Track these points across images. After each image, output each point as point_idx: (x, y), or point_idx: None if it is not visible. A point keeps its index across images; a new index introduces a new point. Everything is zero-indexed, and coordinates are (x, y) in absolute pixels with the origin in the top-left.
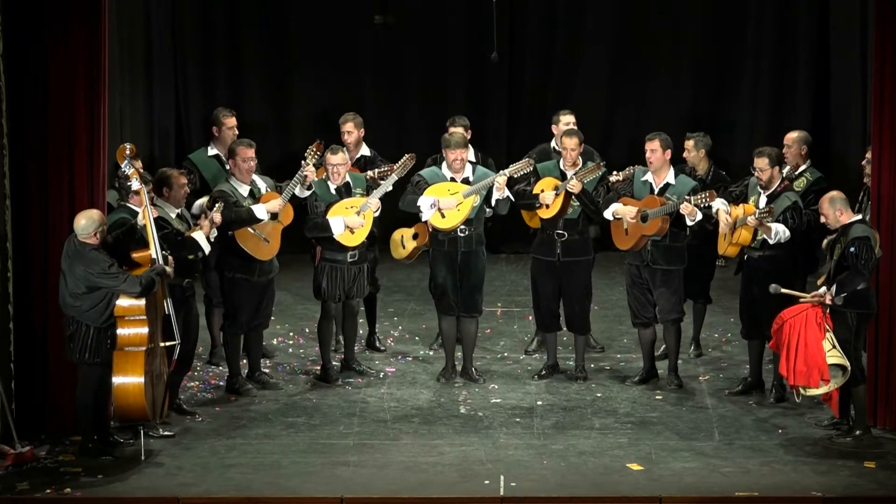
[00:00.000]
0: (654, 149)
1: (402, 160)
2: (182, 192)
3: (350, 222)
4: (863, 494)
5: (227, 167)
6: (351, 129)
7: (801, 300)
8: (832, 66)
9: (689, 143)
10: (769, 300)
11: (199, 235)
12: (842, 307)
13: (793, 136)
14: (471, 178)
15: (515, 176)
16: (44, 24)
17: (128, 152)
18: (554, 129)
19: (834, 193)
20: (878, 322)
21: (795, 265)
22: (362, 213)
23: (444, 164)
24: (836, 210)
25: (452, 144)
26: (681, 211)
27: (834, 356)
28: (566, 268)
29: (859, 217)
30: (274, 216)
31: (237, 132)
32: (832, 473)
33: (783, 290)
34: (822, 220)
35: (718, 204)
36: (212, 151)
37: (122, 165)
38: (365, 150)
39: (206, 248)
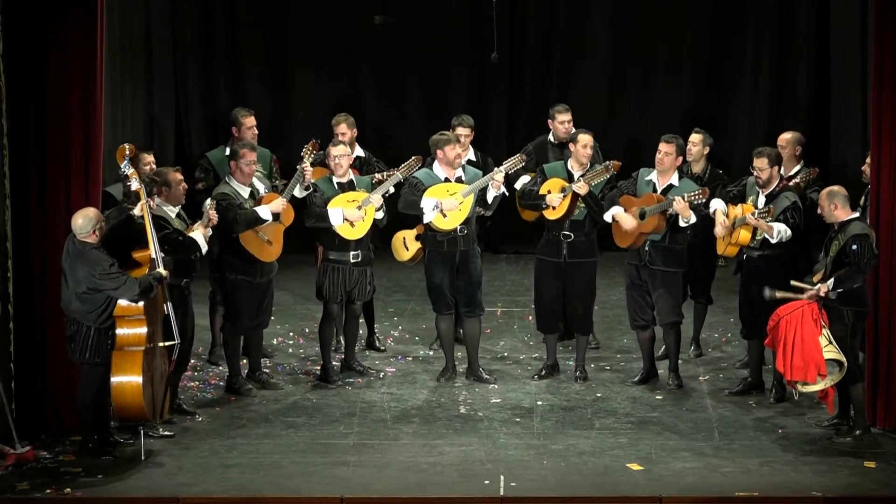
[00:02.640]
0: (669, 152)
1: (407, 162)
2: (181, 190)
3: (349, 215)
4: (863, 494)
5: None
6: (345, 131)
7: (801, 296)
8: (832, 68)
9: (698, 138)
10: (768, 300)
11: (197, 235)
12: (837, 304)
13: (786, 137)
14: (463, 178)
15: (510, 172)
16: (43, 24)
17: (127, 152)
18: (550, 123)
19: (835, 188)
20: (878, 321)
21: (795, 265)
22: (363, 207)
23: (435, 165)
24: (831, 204)
25: (453, 141)
26: (674, 207)
27: (830, 351)
28: (571, 269)
29: (857, 215)
30: (276, 217)
31: (256, 132)
32: (832, 473)
33: (778, 295)
34: (819, 210)
35: (716, 205)
36: (228, 151)
37: (122, 165)
38: (359, 151)
39: (205, 248)
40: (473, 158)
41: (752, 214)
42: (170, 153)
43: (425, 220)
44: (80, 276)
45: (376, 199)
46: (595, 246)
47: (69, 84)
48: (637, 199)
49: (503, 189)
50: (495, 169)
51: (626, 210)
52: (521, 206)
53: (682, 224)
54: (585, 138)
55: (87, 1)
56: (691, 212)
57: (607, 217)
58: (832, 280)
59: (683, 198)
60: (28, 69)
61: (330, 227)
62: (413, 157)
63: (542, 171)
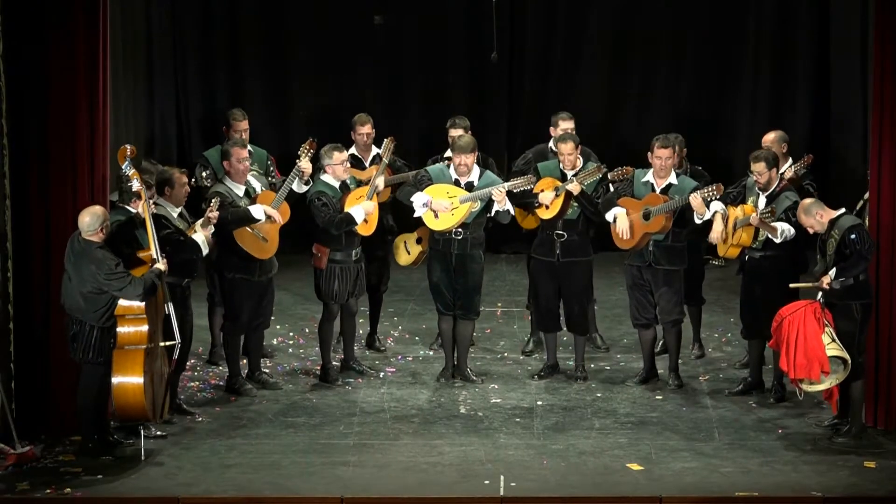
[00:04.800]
0: (670, 156)
1: (384, 145)
2: (184, 192)
3: (366, 208)
4: (863, 494)
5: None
6: (370, 130)
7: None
8: (832, 66)
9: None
10: (770, 300)
11: (198, 237)
12: (846, 299)
13: (770, 136)
14: (475, 183)
15: (515, 191)
16: (44, 24)
17: (128, 153)
18: (552, 130)
19: (804, 203)
20: (879, 321)
21: (796, 265)
22: (371, 199)
23: (451, 164)
24: (814, 215)
25: (457, 148)
26: (690, 202)
27: (833, 349)
28: (566, 268)
29: (843, 210)
30: (269, 218)
31: (246, 136)
32: (832, 473)
33: (797, 286)
34: (811, 231)
35: (716, 207)
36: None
37: (123, 166)
38: (376, 150)
39: (205, 250)
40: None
41: (756, 215)
42: (172, 153)
43: (415, 216)
44: (86, 275)
45: (380, 181)
46: (589, 245)
47: (73, 83)
48: (638, 201)
49: (508, 205)
50: (499, 185)
51: (628, 213)
52: (514, 205)
53: (696, 221)
54: (566, 147)
55: (89, 1)
56: (706, 208)
57: (609, 217)
58: (834, 270)
59: (698, 196)
60: (29, 69)
61: (356, 226)
62: (386, 140)
63: (536, 170)
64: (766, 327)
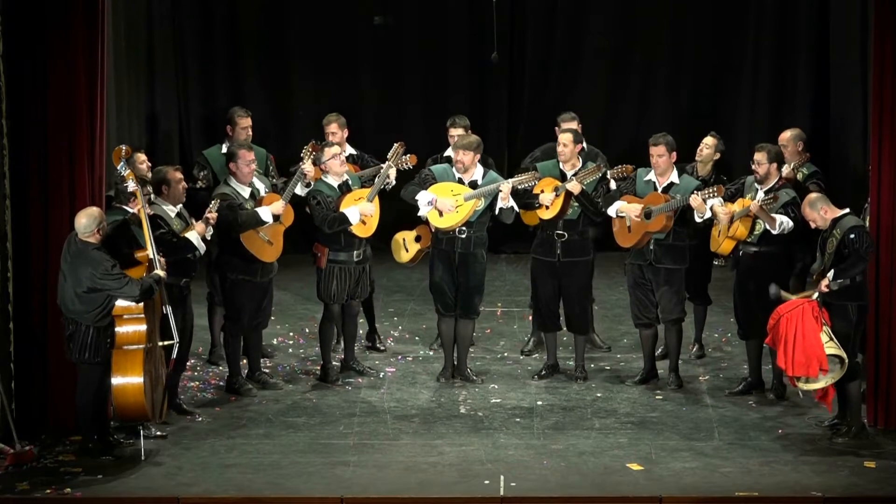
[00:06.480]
0: (661, 153)
1: (392, 149)
2: (181, 190)
3: (363, 209)
4: (863, 494)
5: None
6: (335, 130)
7: (802, 296)
8: (832, 65)
9: (711, 141)
10: (765, 298)
11: (192, 236)
12: (843, 300)
13: (787, 134)
14: (479, 182)
15: (519, 188)
16: (44, 24)
17: (123, 153)
18: (557, 131)
19: (810, 196)
20: (878, 322)
21: (791, 263)
22: (371, 201)
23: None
24: (818, 210)
25: (457, 145)
26: (690, 203)
27: (831, 347)
28: (566, 268)
29: (847, 210)
30: (276, 218)
31: (251, 133)
32: (832, 473)
33: (783, 295)
34: (812, 225)
35: (712, 201)
36: (225, 149)
37: (118, 167)
38: (350, 150)
39: (202, 249)
40: None
41: (756, 201)
42: (173, 154)
43: (419, 214)
44: (82, 275)
45: (393, 172)
46: (589, 245)
47: (73, 83)
48: (640, 199)
49: (512, 202)
50: (503, 181)
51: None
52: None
53: (697, 219)
54: (564, 137)
55: (89, 1)
56: (707, 208)
57: (611, 212)
58: (832, 273)
59: (698, 196)
60: (29, 69)
61: (349, 226)
62: (396, 144)
63: (534, 169)
64: (764, 326)
